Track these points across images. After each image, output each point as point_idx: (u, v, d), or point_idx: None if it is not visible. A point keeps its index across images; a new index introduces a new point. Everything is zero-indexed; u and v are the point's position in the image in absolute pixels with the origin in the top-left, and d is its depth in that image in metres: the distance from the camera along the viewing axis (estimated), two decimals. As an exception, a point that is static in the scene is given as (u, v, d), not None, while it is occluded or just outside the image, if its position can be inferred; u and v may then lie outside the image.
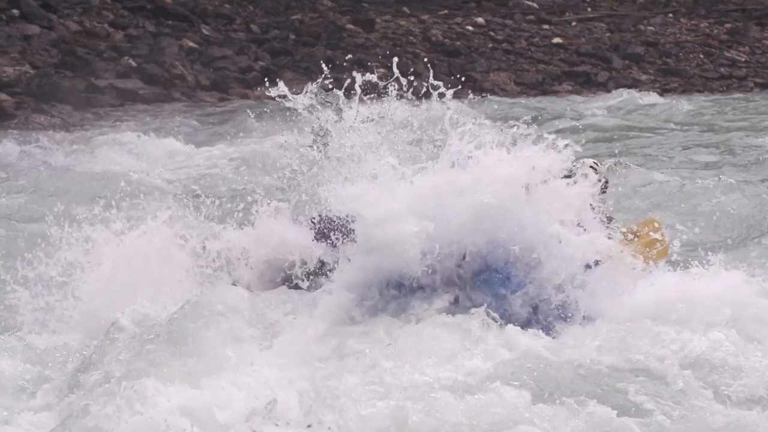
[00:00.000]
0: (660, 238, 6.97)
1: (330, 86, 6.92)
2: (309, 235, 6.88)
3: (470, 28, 28.01)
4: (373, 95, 6.82)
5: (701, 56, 27.76)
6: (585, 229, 6.43)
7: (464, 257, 6.29)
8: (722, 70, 27.03)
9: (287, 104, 6.86)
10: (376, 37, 25.94)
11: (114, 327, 5.96)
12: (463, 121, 6.43)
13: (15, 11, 22.07)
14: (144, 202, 7.42)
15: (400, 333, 5.84)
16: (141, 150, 14.53)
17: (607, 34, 28.87)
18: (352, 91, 6.81)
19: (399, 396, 5.10)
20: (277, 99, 6.86)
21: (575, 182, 6.39)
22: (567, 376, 5.28)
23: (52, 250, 6.77)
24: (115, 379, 5.26)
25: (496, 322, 5.95)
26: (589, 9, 30.80)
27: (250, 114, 13.99)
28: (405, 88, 6.88)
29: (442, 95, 6.67)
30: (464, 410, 4.94)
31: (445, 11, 29.15)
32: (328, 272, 6.65)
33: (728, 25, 30.24)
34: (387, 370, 5.37)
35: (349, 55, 19.92)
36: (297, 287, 6.70)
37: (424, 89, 6.63)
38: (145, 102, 20.43)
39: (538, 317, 6.18)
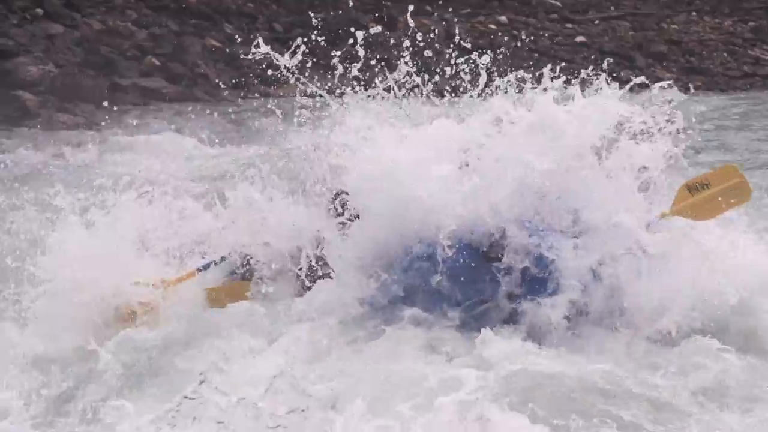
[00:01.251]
0: (736, 181, 6.31)
1: (324, 43, 6.38)
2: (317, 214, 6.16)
3: (493, 26, 27.96)
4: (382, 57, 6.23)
5: (725, 54, 27.56)
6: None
7: (501, 236, 5.47)
8: (746, 68, 26.83)
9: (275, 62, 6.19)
10: (398, 35, 25.92)
11: (91, 350, 5.53)
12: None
13: (38, 10, 22.18)
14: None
15: (396, 341, 5.42)
16: (163, 149, 14.58)
17: (631, 33, 28.72)
18: (353, 64, 6.19)
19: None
20: (254, 54, 6.22)
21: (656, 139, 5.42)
22: (565, 393, 5.03)
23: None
24: (93, 402, 4.97)
25: (504, 326, 5.50)
26: (612, 7, 30.63)
27: (276, 112, 13.90)
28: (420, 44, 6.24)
29: (469, 60, 5.83)
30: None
31: (468, 10, 29.10)
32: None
33: (752, 24, 30.01)
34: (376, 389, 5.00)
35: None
36: (302, 285, 6.14)
37: (448, 54, 6.04)
38: (168, 101, 20.54)
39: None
